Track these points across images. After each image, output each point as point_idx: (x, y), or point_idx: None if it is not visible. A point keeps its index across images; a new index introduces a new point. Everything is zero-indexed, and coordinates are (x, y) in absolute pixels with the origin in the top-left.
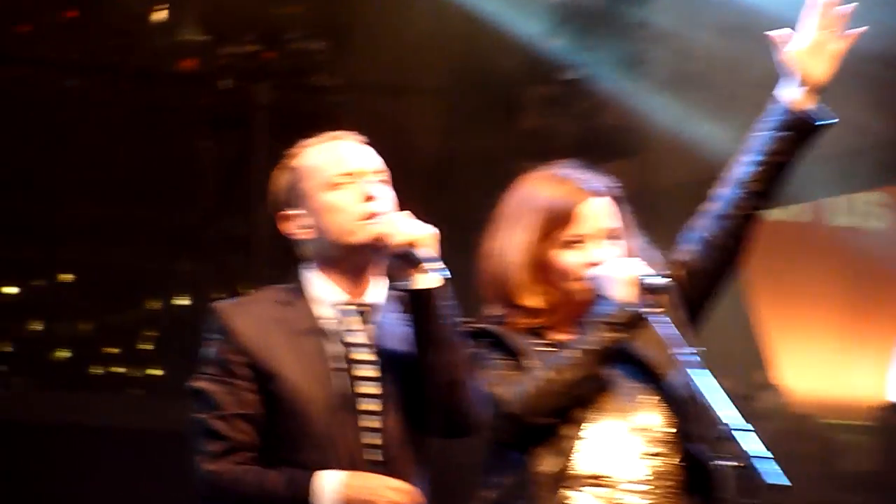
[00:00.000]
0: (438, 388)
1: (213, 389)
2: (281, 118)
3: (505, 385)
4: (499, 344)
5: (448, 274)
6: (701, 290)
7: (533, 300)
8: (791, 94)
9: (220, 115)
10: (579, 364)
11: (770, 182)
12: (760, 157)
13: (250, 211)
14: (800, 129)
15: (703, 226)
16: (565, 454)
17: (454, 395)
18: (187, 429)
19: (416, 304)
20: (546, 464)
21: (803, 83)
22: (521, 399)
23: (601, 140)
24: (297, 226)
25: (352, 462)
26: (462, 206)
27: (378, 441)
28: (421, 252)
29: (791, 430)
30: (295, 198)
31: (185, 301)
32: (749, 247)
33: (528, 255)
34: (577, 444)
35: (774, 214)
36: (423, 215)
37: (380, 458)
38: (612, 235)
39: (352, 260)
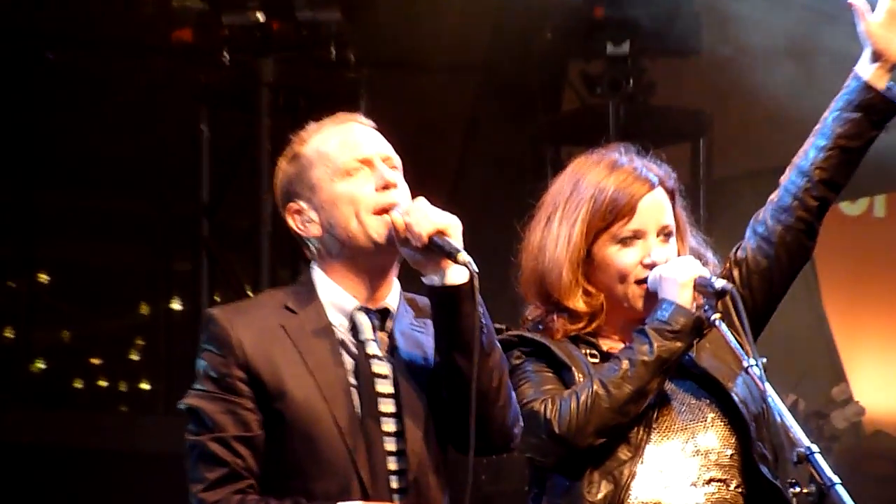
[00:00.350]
0: (470, 398)
1: (210, 408)
2: (289, 97)
3: (548, 401)
4: (539, 353)
5: (476, 269)
6: (763, 293)
7: (578, 302)
8: (866, 71)
9: (219, 94)
10: (634, 377)
11: (837, 170)
12: (827, 142)
13: (256, 202)
14: (870, 110)
15: (764, 220)
16: (621, 480)
17: (489, 405)
18: (181, 452)
19: (447, 303)
20: (599, 491)
21: (877, 58)
22: (568, 418)
23: (651, 124)
24: (306, 220)
25: (375, 492)
26: (486, 199)
27: (403, 466)
28: (451, 242)
29: (866, 449)
30: (302, 189)
31: (179, 305)
32: (814, 244)
33: (577, 250)
34: (635, 469)
35: (844, 209)
36: (445, 207)
37: (404, 485)
38: (667, 232)
39: (368, 259)
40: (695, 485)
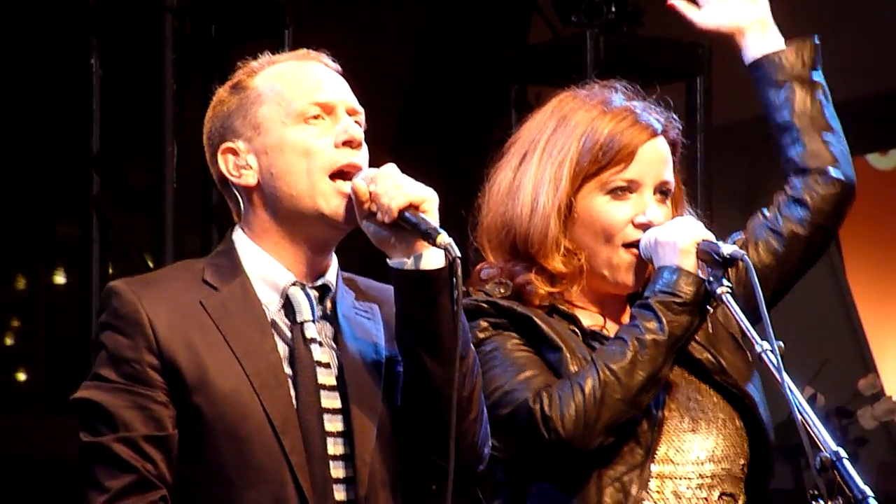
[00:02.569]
0: (450, 410)
1: (113, 402)
2: (197, 25)
3: (543, 394)
4: (515, 326)
5: (458, 251)
6: (779, 275)
7: (556, 261)
8: (746, 55)
9: (112, 21)
10: (646, 361)
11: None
12: (797, 134)
13: (158, 154)
14: (786, 74)
15: (777, 206)
16: (630, 487)
17: (459, 418)
18: (66, 457)
19: (420, 292)
20: (605, 498)
21: (735, 37)
22: (574, 415)
23: (638, 60)
24: (241, 166)
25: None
26: (438, 149)
27: (349, 474)
28: (427, 220)
29: None
30: (244, 126)
31: (63, 278)
32: (823, 244)
33: (566, 195)
34: (647, 476)
35: (873, 162)
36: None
37: (352, 497)
38: (666, 190)
39: (310, 227)
40: (707, 499)
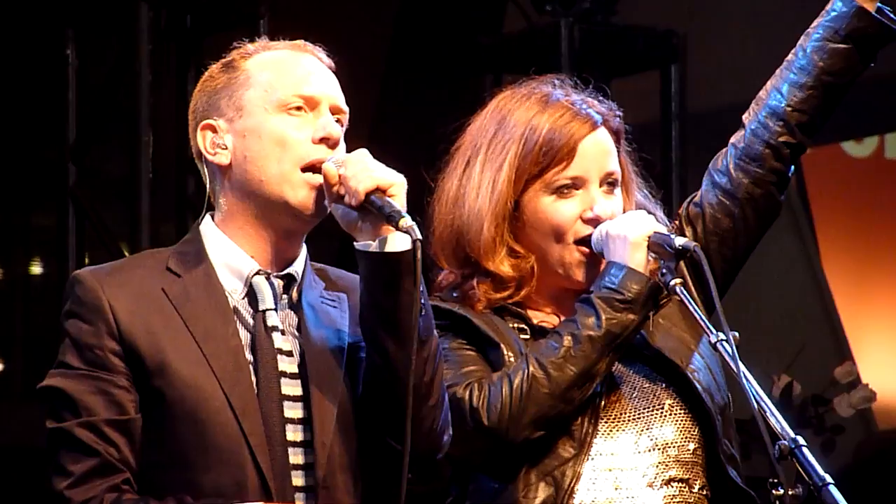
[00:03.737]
0: (407, 392)
1: (76, 388)
2: (173, 16)
3: (474, 386)
4: (458, 327)
5: (420, 236)
6: (722, 260)
7: (502, 264)
8: None
9: (88, 11)
10: (579, 356)
11: (819, 112)
12: (808, 79)
13: (134, 144)
14: (862, 41)
15: (726, 169)
16: (563, 482)
17: (419, 402)
18: (39, 443)
19: (383, 274)
20: (537, 495)
21: None
22: (499, 406)
23: (612, 48)
24: (218, 144)
25: (278, 488)
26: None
27: (308, 460)
28: (393, 203)
29: (877, 443)
30: (227, 106)
31: (40, 268)
32: (783, 199)
33: (503, 200)
34: (579, 469)
35: (848, 150)
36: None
37: (310, 483)
38: (612, 181)
39: (276, 216)
40: (652, 486)
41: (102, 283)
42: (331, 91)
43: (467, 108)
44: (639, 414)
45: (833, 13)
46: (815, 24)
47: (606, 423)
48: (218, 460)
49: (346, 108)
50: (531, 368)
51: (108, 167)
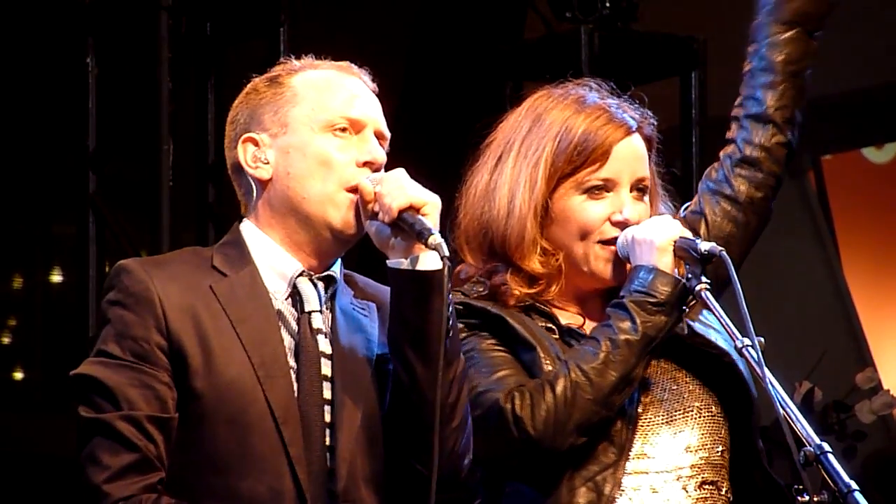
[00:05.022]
0: (434, 413)
1: (117, 379)
2: (193, 23)
3: (515, 394)
4: (490, 326)
5: (447, 251)
6: (744, 238)
7: (534, 262)
8: None
9: (108, 19)
10: (619, 361)
11: (797, 100)
12: (773, 76)
13: (154, 152)
14: (804, 18)
15: (725, 178)
16: (604, 488)
17: (442, 424)
18: (65, 454)
19: (413, 292)
20: (579, 499)
21: None
22: (545, 415)
23: (633, 55)
24: (259, 159)
25: (314, 496)
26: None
27: (332, 466)
28: (423, 221)
29: (895, 448)
30: (271, 122)
31: (60, 276)
32: (772, 206)
33: (541, 196)
34: (620, 476)
35: (869, 156)
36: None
37: (333, 488)
38: (642, 187)
39: (313, 234)
40: (686, 489)
41: (152, 275)
42: (376, 115)
43: (488, 115)
44: (672, 417)
45: (766, 8)
46: (754, 29)
47: (643, 426)
48: (256, 467)
49: (388, 134)
50: (573, 375)
51: (129, 175)
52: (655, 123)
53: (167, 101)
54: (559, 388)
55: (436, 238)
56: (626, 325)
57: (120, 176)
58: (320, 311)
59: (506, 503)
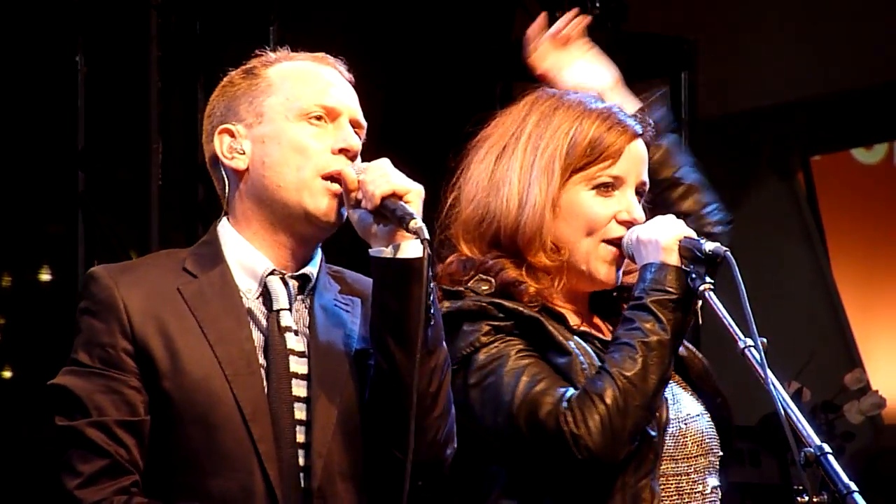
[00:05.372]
0: (410, 401)
1: (86, 387)
2: (183, 21)
3: (566, 414)
4: (527, 329)
5: (428, 237)
6: None
7: (542, 257)
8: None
9: (98, 18)
10: (657, 363)
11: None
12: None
13: (143, 150)
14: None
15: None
16: (642, 494)
17: (423, 413)
18: (48, 449)
19: (394, 279)
20: None
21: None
22: (601, 428)
23: (623, 55)
24: (235, 149)
25: (284, 494)
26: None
27: (307, 463)
28: (406, 207)
29: (886, 449)
30: (246, 112)
31: (49, 275)
32: None
33: (555, 190)
34: (657, 474)
35: (858, 157)
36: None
37: (308, 486)
38: (643, 192)
39: (292, 222)
40: (702, 493)
41: (118, 281)
42: (351, 104)
43: (477, 114)
44: (682, 417)
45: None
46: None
47: (667, 428)
48: (226, 465)
49: (364, 123)
50: (619, 383)
51: (118, 174)
52: (651, 124)
53: (156, 100)
54: (608, 398)
55: (417, 222)
56: (652, 325)
57: (109, 175)
58: (290, 310)
59: None
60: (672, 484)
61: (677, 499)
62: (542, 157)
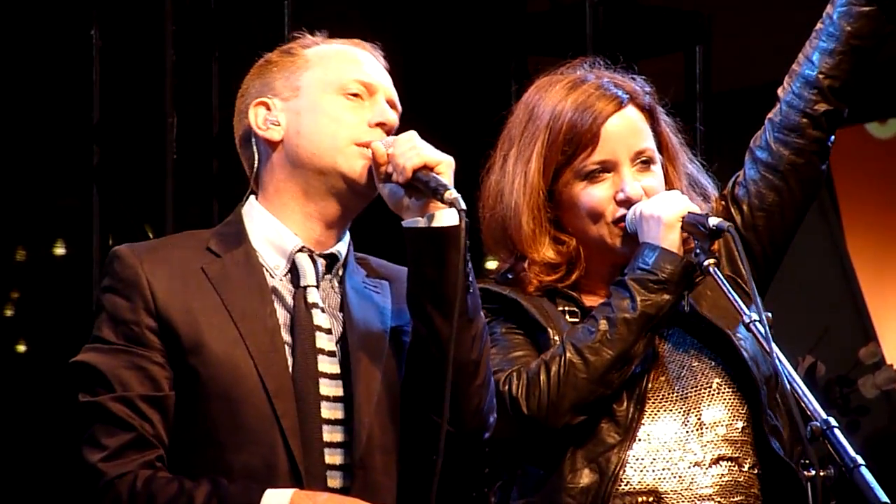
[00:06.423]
0: (447, 365)
1: (110, 363)
2: None
3: (513, 375)
4: (509, 311)
5: (464, 205)
6: (771, 236)
7: (547, 251)
8: None
9: None
10: (615, 339)
11: (851, 76)
12: (836, 44)
13: (159, 124)
14: (886, 1)
15: (766, 145)
16: (608, 469)
17: (466, 381)
18: (64, 423)
19: (430, 248)
20: (581, 480)
21: None
22: (538, 394)
23: (637, 29)
24: (270, 121)
25: (309, 468)
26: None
27: (346, 438)
28: (439, 178)
29: None
30: (283, 87)
31: (63, 249)
32: (826, 167)
33: (535, 191)
34: (624, 456)
35: (872, 131)
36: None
37: (348, 461)
38: (645, 159)
39: (327, 191)
40: (700, 465)
41: (142, 260)
42: (388, 84)
43: (491, 89)
44: (686, 393)
45: None
46: None
47: (653, 404)
48: (249, 441)
49: (399, 106)
50: (568, 354)
51: (133, 148)
52: (652, 90)
53: (171, 74)
54: (553, 367)
55: (452, 193)
56: (626, 303)
57: (124, 149)
58: (317, 286)
59: (519, 484)
60: (654, 459)
61: (663, 471)
62: (523, 161)
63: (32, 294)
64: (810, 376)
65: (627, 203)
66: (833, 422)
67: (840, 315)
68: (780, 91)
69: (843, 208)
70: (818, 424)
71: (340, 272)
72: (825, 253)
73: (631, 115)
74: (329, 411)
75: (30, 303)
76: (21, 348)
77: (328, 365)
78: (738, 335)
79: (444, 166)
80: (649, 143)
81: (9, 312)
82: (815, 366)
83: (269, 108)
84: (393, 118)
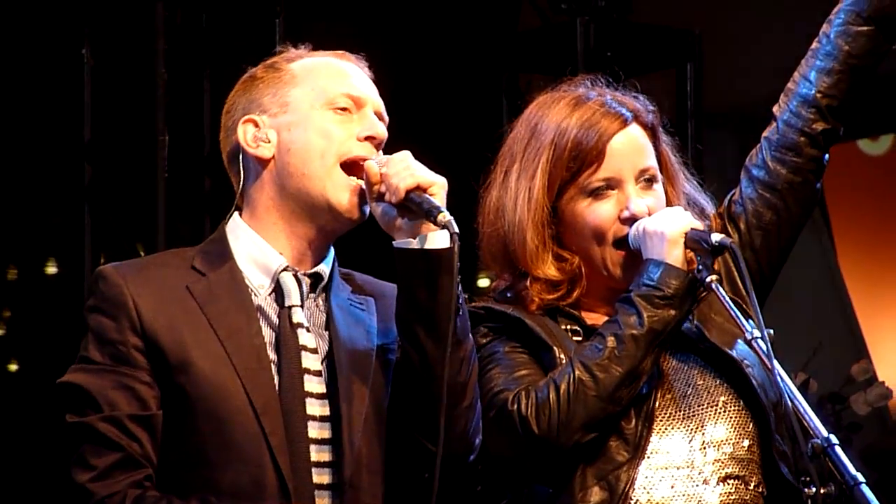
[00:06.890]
0: (441, 390)
1: (98, 383)
2: (189, 13)
3: (522, 394)
4: (511, 329)
5: (457, 230)
6: (768, 253)
7: (549, 269)
8: None
9: (104, 10)
10: (624, 356)
11: (849, 95)
12: (834, 63)
13: (150, 142)
14: (884, 21)
15: (763, 163)
16: (618, 487)
17: (453, 403)
18: (54, 443)
19: (422, 270)
20: (592, 497)
21: None
22: (548, 413)
23: (628, 47)
24: (260, 138)
25: (297, 487)
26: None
27: (333, 458)
28: (432, 200)
29: (890, 440)
30: (271, 103)
31: (55, 268)
32: (821, 185)
33: (539, 208)
34: (634, 474)
35: (864, 148)
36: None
37: (335, 480)
38: (649, 177)
39: (311, 213)
40: (707, 483)
41: (126, 279)
42: (375, 95)
43: (482, 106)
44: (693, 412)
45: None
46: (836, 9)
47: (661, 422)
48: (237, 459)
49: (387, 117)
50: (577, 372)
51: (125, 167)
52: (655, 109)
53: (163, 92)
54: (563, 385)
55: (445, 215)
56: (633, 319)
57: (116, 167)
58: (301, 306)
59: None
60: (662, 477)
61: (670, 490)
62: (527, 178)
63: (24, 313)
64: (802, 393)
65: (631, 220)
66: (834, 439)
67: (832, 332)
68: (775, 110)
69: (835, 224)
70: (819, 442)
71: (325, 290)
72: (817, 270)
73: (635, 133)
74: (316, 431)
75: (21, 322)
76: (13, 367)
77: (315, 384)
78: (746, 361)
79: (437, 188)
80: (652, 162)
81: (0, 332)
82: (808, 382)
83: (257, 126)
84: (382, 131)
